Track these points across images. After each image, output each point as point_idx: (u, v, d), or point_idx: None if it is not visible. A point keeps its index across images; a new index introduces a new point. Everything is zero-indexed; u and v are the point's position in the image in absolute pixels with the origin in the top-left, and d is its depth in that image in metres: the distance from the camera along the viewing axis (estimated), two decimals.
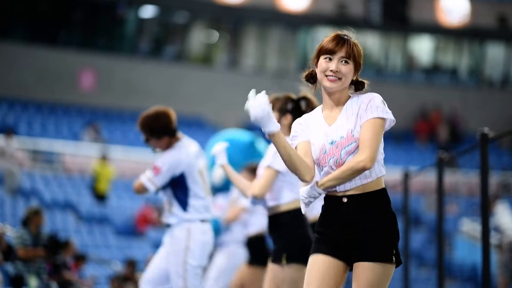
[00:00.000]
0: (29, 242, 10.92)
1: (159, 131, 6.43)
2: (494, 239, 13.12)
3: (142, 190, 6.45)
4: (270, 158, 5.52)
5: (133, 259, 14.11)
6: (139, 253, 16.40)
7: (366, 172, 3.84)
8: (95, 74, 25.09)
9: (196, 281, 6.47)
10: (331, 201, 3.90)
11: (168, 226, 6.58)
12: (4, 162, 18.60)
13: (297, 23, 26.84)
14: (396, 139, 25.48)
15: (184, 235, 6.45)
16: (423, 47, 28.52)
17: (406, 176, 9.15)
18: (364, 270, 3.82)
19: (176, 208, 6.48)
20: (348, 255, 3.89)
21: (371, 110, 3.86)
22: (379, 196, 3.88)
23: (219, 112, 25.49)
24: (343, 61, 3.90)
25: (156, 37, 26.94)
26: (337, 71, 3.90)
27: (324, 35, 4.03)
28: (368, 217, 3.84)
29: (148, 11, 26.43)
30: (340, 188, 3.87)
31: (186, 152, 6.48)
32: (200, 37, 27.21)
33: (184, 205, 6.47)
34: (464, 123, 27.03)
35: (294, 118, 5.60)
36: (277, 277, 5.50)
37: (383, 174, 3.88)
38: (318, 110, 4.05)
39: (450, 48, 28.56)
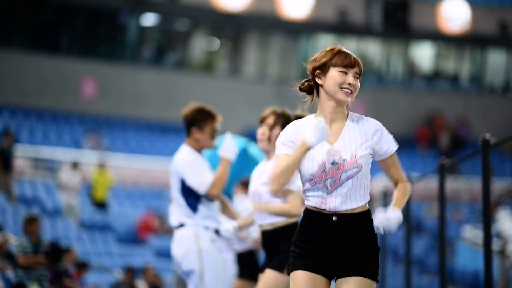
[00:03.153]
0: (29, 249, 10.91)
1: None
2: (496, 245, 13.11)
3: None
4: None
5: (131, 267, 14.09)
6: (141, 260, 16.38)
7: (361, 197, 3.96)
8: (97, 81, 25.11)
9: None
10: (319, 218, 3.93)
11: None
12: (64, 196, 18.58)
13: (298, 30, 26.85)
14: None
15: None
16: (424, 54, 28.52)
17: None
18: (353, 283, 3.87)
19: None
20: (332, 272, 3.94)
21: (387, 142, 4.14)
22: (366, 217, 3.97)
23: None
24: (356, 77, 4.00)
25: (157, 45, 26.96)
26: (353, 85, 3.98)
27: (325, 43, 4.05)
28: (356, 237, 3.92)
29: (149, 19, 26.46)
30: (331, 208, 3.91)
31: None
32: (201, 45, 27.23)
33: None
34: (468, 130, 27.01)
35: None
36: (277, 284, 5.53)
37: (369, 199, 4.01)
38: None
39: (451, 55, 28.56)
